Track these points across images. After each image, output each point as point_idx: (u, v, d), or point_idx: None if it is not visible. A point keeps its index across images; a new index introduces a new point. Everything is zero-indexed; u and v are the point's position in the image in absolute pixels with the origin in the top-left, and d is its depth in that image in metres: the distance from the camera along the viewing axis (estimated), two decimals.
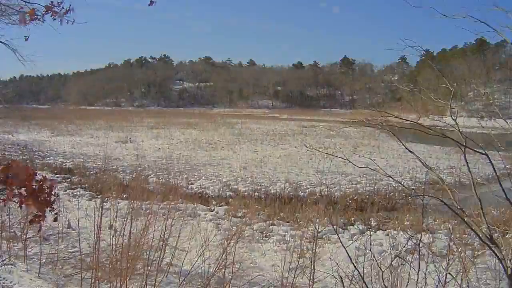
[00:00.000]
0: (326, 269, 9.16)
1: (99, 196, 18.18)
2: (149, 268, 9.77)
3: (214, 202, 23.19)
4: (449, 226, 15.68)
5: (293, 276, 9.53)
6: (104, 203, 11.67)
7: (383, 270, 5.66)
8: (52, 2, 5.91)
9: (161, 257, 10.81)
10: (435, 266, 7.00)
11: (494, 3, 4.87)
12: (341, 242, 6.57)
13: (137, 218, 10.58)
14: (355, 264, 5.93)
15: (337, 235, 9.31)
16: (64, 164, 34.16)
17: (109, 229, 12.15)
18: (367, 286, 5.58)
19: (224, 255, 9.49)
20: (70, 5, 5.93)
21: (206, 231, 12.77)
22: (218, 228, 16.78)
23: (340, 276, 6.62)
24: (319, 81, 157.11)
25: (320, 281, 9.85)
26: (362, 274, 5.65)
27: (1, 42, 9.23)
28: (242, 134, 62.28)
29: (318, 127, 75.45)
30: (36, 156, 38.77)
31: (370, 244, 10.01)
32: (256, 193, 24.99)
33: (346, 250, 5.77)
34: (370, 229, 17.40)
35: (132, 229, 9.98)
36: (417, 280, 6.16)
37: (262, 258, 14.73)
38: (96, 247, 9.97)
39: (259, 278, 11.72)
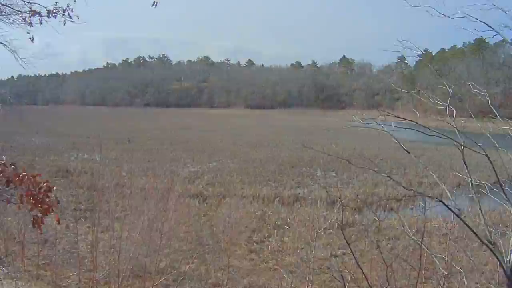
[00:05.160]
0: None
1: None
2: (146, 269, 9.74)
3: None
4: (448, 227, 15.63)
5: None
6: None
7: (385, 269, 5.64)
8: (56, 3, 6.01)
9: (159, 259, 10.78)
10: (435, 266, 6.99)
11: (494, 3, 4.86)
12: (348, 243, 6.54)
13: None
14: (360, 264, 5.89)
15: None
16: None
17: None
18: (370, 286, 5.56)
19: None
20: (68, 5, 6.00)
21: None
22: None
23: (342, 276, 6.60)
24: (317, 81, 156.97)
25: None
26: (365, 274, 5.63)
27: (0, 43, 9.13)
28: None
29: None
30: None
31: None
32: None
33: (352, 251, 5.74)
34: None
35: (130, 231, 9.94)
36: (417, 279, 6.15)
37: None
38: (95, 249, 9.93)
39: None
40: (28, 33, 6.40)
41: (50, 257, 12.27)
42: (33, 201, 4.68)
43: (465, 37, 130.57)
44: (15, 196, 4.78)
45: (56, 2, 5.96)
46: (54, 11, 5.83)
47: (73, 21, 5.99)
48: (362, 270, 5.85)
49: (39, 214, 4.84)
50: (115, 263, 9.84)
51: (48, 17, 5.87)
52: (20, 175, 4.50)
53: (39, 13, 5.94)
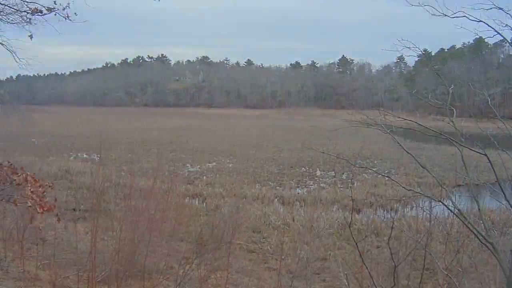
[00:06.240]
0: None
1: None
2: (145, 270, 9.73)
3: None
4: (448, 227, 15.64)
5: None
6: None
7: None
8: (54, 2, 6.04)
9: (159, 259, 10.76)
10: (434, 266, 6.99)
11: (493, 3, 4.86)
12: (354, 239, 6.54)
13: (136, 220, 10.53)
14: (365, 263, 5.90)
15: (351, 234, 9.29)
16: None
17: None
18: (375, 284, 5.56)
19: None
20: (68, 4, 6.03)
21: None
22: None
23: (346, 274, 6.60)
24: (317, 81, 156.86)
25: None
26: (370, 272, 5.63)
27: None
28: None
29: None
30: None
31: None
32: None
33: (358, 250, 5.74)
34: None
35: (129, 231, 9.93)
36: (421, 280, 6.15)
37: None
38: (94, 249, 9.92)
39: None
40: (30, 35, 6.43)
41: (49, 258, 12.23)
42: (37, 200, 4.70)
43: (464, 37, 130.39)
44: (15, 195, 4.78)
45: (54, 1, 5.99)
46: (52, 7, 5.85)
47: (72, 20, 6.02)
48: (367, 268, 5.85)
49: (40, 210, 4.85)
50: (114, 263, 9.83)
51: (48, 13, 5.89)
52: (24, 175, 4.52)
53: (39, 11, 5.97)
